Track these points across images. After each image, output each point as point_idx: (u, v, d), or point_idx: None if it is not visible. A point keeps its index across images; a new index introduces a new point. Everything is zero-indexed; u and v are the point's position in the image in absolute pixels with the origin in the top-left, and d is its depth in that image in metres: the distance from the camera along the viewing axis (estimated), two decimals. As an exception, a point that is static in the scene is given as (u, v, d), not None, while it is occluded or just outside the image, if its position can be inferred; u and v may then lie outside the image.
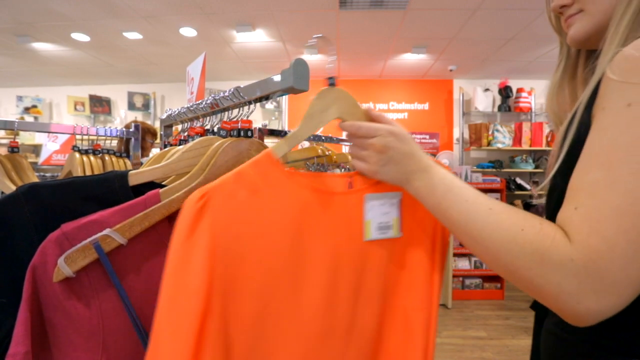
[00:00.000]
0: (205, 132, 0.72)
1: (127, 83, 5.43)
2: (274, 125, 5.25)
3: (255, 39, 4.03)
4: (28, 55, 4.41)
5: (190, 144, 0.62)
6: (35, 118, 5.32)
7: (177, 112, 0.79)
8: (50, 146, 3.15)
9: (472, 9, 3.33)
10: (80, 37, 3.93)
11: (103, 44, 4.16)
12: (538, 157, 4.95)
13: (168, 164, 0.61)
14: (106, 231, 0.53)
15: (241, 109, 0.65)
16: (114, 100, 5.48)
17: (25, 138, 5.21)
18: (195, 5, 3.34)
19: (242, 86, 0.62)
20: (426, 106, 5.40)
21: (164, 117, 0.89)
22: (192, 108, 0.73)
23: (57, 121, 5.40)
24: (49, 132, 1.09)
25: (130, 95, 5.31)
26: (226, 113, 0.70)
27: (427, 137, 5.11)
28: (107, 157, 1.07)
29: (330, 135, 1.29)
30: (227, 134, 0.63)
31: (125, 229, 0.54)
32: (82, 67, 4.85)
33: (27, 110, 5.26)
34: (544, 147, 4.80)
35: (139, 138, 1.08)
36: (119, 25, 3.71)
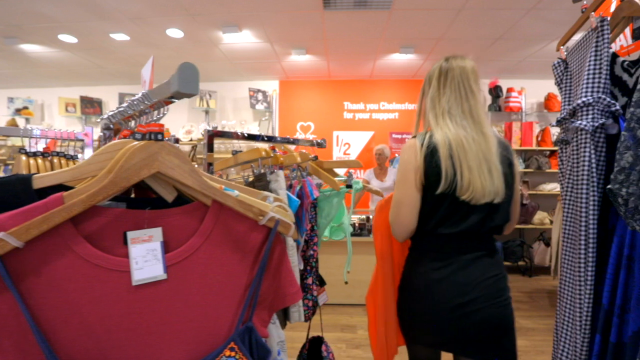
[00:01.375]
0: (130, 135, 0.72)
1: (118, 84, 5.45)
2: (265, 126, 5.25)
3: (243, 39, 4.04)
4: (17, 56, 4.43)
5: (102, 147, 0.63)
6: (27, 119, 5.34)
7: (107, 115, 0.80)
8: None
9: (456, 9, 3.33)
10: (67, 38, 3.94)
11: (91, 46, 4.18)
12: (528, 156, 4.93)
13: (77, 166, 0.61)
14: (0, 234, 0.53)
15: (159, 111, 0.65)
16: (105, 101, 5.50)
17: (17, 140, 5.23)
18: (180, 7, 3.35)
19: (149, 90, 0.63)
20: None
21: (99, 120, 0.90)
22: (117, 111, 0.74)
23: (48, 122, 5.42)
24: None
25: (122, 96, 5.32)
26: (149, 116, 0.70)
27: (418, 137, 5.09)
28: (55, 160, 1.08)
29: (288, 136, 1.29)
30: (142, 137, 0.64)
31: (22, 232, 0.54)
32: (72, 69, 4.87)
33: (18, 111, 5.28)
34: (534, 147, 4.79)
35: (90, 141, 1.08)
36: (106, 26, 3.72)
